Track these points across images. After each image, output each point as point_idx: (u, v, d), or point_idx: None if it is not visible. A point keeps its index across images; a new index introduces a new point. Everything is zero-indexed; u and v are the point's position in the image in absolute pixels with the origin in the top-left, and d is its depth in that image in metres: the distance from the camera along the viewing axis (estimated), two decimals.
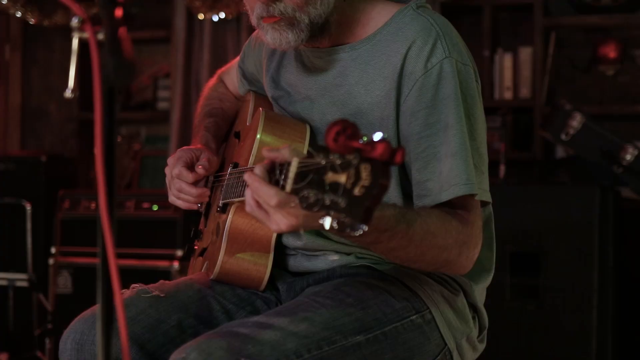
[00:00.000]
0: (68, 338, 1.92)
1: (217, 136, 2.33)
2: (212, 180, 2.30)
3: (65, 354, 1.91)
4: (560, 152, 4.87)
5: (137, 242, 4.61)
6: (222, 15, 5.21)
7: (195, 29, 5.47)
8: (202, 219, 2.34)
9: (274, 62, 2.16)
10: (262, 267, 2.03)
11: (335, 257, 2.02)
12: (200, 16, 5.28)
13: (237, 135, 2.28)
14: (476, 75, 1.94)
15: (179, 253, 4.54)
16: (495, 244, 2.06)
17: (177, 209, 4.54)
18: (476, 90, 1.92)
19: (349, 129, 1.38)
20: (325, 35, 1.97)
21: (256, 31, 2.28)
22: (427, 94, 1.86)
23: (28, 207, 4.99)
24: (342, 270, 2.01)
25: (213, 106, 2.41)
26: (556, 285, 3.81)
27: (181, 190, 2.14)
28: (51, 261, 4.82)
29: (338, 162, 1.38)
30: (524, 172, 4.99)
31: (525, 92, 5.00)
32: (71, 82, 1.18)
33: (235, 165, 2.12)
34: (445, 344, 1.97)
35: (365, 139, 1.37)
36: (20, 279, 4.94)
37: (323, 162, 1.41)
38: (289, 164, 1.50)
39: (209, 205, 2.29)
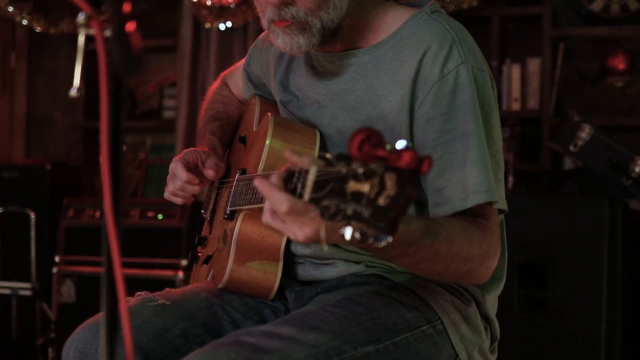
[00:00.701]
0: (71, 347, 1.88)
1: (223, 140, 2.30)
2: (216, 186, 2.26)
3: None
4: (568, 163, 4.83)
5: (142, 251, 4.57)
6: (229, 24, 5.18)
7: (202, 37, 5.44)
8: (206, 226, 2.30)
9: (282, 66, 2.13)
10: (271, 275, 2.00)
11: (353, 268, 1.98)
12: (207, 25, 5.25)
13: (243, 140, 2.25)
14: (492, 82, 1.90)
15: (184, 262, 4.50)
16: (506, 251, 2.02)
17: (181, 218, 4.53)
18: (492, 97, 1.88)
19: (373, 137, 1.33)
20: (337, 40, 1.94)
21: (263, 33, 2.26)
22: (443, 100, 1.82)
23: (32, 215, 4.96)
24: (352, 278, 1.97)
25: (217, 110, 2.38)
26: (564, 297, 3.77)
27: (183, 189, 2.12)
28: (55, 270, 4.79)
29: (360, 170, 1.34)
30: (532, 184, 4.96)
31: (533, 103, 4.97)
32: (77, 80, 1.14)
33: (243, 172, 2.08)
34: (457, 355, 1.93)
35: (388, 147, 1.33)
36: (24, 287, 4.91)
37: (344, 170, 1.37)
38: (306, 172, 1.45)
39: (213, 212, 2.25)
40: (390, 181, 1.31)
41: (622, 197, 4.02)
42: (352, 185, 1.35)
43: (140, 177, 5.62)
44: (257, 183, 1.52)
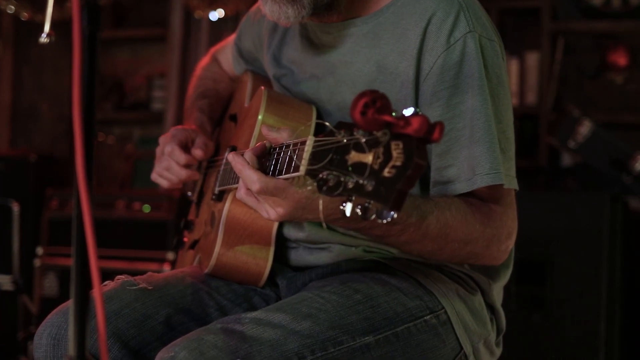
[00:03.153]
0: (44, 332, 1.75)
1: (212, 118, 2.18)
2: (205, 166, 2.13)
3: (41, 350, 1.73)
4: (566, 160, 4.73)
5: (127, 243, 4.45)
6: (222, 13, 5.06)
7: (192, 27, 5.35)
8: (193, 209, 2.17)
9: (275, 39, 2.01)
10: (262, 261, 1.86)
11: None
12: (198, 14, 5.14)
13: (234, 117, 2.12)
14: (502, 52, 1.79)
15: (170, 256, 4.37)
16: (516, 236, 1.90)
17: (169, 210, 4.41)
18: (502, 68, 1.77)
19: (378, 101, 1.20)
20: (333, 12, 1.82)
21: (254, 6, 2.14)
22: (449, 71, 1.71)
23: (16, 207, 4.83)
24: (348, 264, 1.85)
25: (207, 87, 2.27)
26: (563, 295, 3.68)
27: (169, 169, 1.99)
28: (37, 262, 4.66)
29: (363, 139, 1.22)
30: (529, 180, 4.84)
31: (531, 98, 4.87)
32: (47, 26, 1.03)
33: (233, 149, 1.95)
34: (462, 348, 1.81)
35: (394, 114, 1.20)
36: (6, 281, 4.77)
37: (345, 140, 1.25)
38: (303, 142, 1.35)
39: (201, 194, 2.12)
40: (396, 150, 1.18)
41: (620, 194, 3.93)
42: (354, 156, 1.23)
43: (127, 171, 5.50)
44: (230, 158, 1.49)
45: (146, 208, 4.49)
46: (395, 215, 1.20)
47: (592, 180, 4.28)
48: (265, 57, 2.06)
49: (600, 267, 3.63)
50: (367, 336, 1.68)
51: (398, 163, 1.18)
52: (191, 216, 2.17)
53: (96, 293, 1.19)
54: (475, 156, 1.68)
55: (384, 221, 1.21)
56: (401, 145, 1.18)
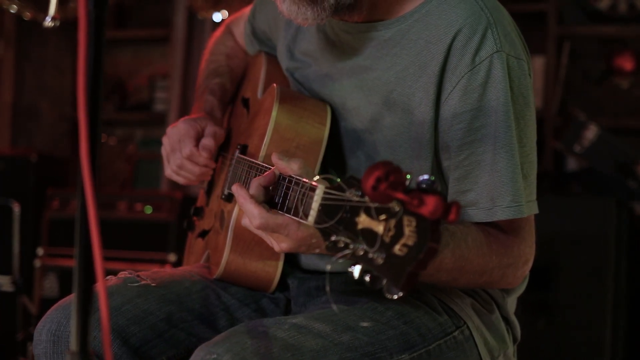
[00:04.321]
0: (43, 329, 1.71)
1: (223, 101, 2.11)
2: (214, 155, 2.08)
3: (40, 346, 1.70)
4: (571, 164, 4.70)
5: (129, 244, 4.40)
6: (226, 14, 5.03)
7: (196, 28, 5.31)
8: (202, 196, 2.13)
9: (291, 28, 1.94)
10: (271, 268, 1.83)
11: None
12: (202, 15, 5.11)
13: (246, 103, 2.06)
14: (530, 69, 1.73)
15: (172, 257, 4.33)
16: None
17: (171, 211, 4.37)
18: (529, 88, 1.71)
19: (392, 175, 1.14)
20: (355, 13, 1.74)
21: None
22: (473, 94, 1.64)
23: (16, 208, 4.79)
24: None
25: (219, 63, 2.20)
26: (568, 301, 3.66)
27: (182, 167, 1.94)
28: (37, 263, 4.62)
29: (374, 205, 1.17)
30: None
31: (536, 102, 4.81)
32: (52, 8, 0.99)
33: (244, 149, 1.91)
34: None
35: (408, 177, 1.14)
36: (6, 282, 4.74)
37: (355, 198, 1.20)
38: (312, 189, 1.32)
39: (211, 182, 2.08)
40: (409, 227, 1.13)
41: (626, 200, 3.90)
42: (364, 220, 1.18)
43: (129, 171, 5.46)
44: (234, 190, 1.50)
45: (148, 209, 4.45)
46: (402, 294, 1.15)
47: (598, 185, 4.26)
48: (279, 46, 2.00)
49: (605, 272, 3.61)
50: (403, 354, 1.65)
51: (410, 242, 1.12)
52: (200, 203, 2.14)
53: (100, 287, 1.16)
54: (497, 186, 1.63)
55: (391, 297, 1.16)
56: (414, 223, 1.12)
